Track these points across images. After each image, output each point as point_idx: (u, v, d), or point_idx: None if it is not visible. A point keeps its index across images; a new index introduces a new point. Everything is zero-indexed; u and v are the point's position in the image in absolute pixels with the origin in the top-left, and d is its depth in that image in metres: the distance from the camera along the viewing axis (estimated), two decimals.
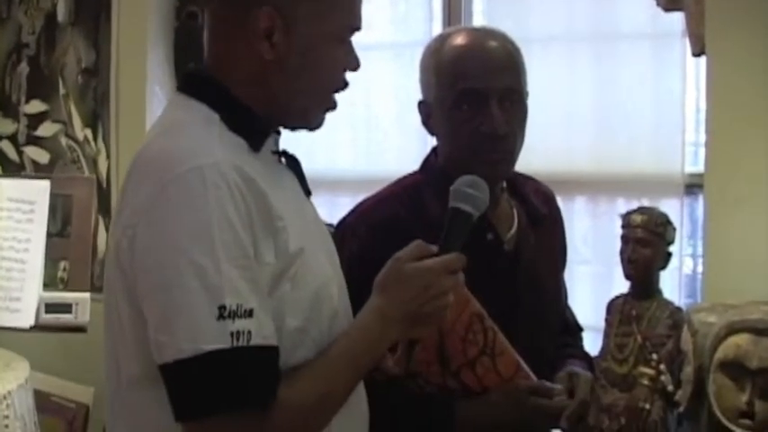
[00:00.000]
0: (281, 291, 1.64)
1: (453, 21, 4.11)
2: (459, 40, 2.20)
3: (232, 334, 1.53)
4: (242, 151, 1.68)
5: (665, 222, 3.32)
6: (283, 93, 1.72)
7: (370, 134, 4.35)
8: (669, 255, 3.35)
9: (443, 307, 1.76)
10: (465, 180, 1.85)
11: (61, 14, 4.48)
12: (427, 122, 2.23)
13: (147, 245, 1.57)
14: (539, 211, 2.29)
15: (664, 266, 3.36)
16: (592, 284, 3.90)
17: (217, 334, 1.52)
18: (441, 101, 2.16)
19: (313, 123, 1.81)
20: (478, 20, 4.12)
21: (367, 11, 4.04)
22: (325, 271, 1.76)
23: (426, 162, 2.28)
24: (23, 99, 4.57)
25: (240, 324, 1.53)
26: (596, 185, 3.86)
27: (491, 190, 2.14)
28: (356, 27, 1.78)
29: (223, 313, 1.53)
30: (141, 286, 1.58)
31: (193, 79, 1.78)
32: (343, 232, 2.23)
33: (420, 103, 2.23)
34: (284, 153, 1.81)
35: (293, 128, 1.82)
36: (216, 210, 1.55)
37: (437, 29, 4.18)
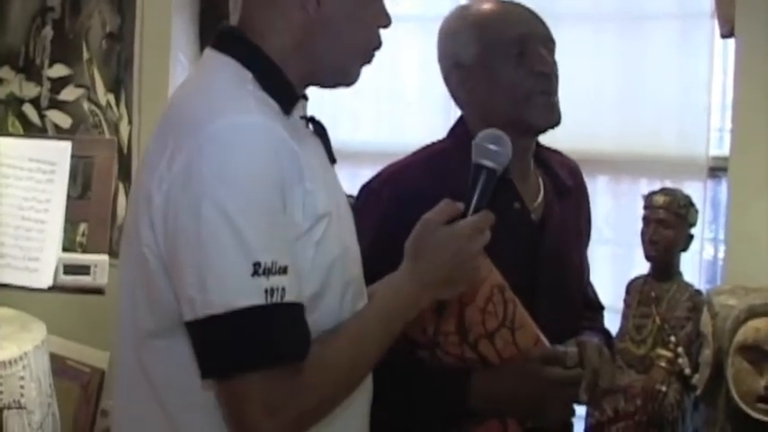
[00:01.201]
0: (304, 253, 1.63)
1: None
2: (486, 5, 2.20)
3: (266, 290, 1.52)
4: (274, 112, 1.67)
5: (687, 204, 3.32)
6: (326, 51, 1.72)
7: (393, 106, 4.33)
8: (691, 237, 3.35)
9: (474, 269, 1.76)
10: (487, 135, 1.83)
11: None
12: (461, 89, 2.20)
13: (182, 200, 1.55)
14: (565, 183, 2.28)
15: (685, 248, 3.36)
16: (612, 265, 3.89)
17: (251, 290, 1.51)
18: (485, 56, 2.14)
19: (352, 79, 1.81)
20: None
21: None
22: (345, 239, 1.75)
23: (454, 130, 2.26)
24: (47, 63, 4.55)
25: (275, 281, 1.52)
26: (620, 165, 3.85)
27: (523, 157, 2.14)
28: None
29: (258, 270, 1.51)
30: (173, 242, 1.57)
31: (228, 37, 1.77)
32: (366, 197, 2.21)
33: (450, 71, 2.20)
34: (312, 119, 1.80)
35: (331, 86, 1.82)
36: (252, 166, 1.54)
37: (464, 2, 4.14)
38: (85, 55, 4.47)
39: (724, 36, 3.40)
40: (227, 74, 1.69)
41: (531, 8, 2.21)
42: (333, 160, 1.82)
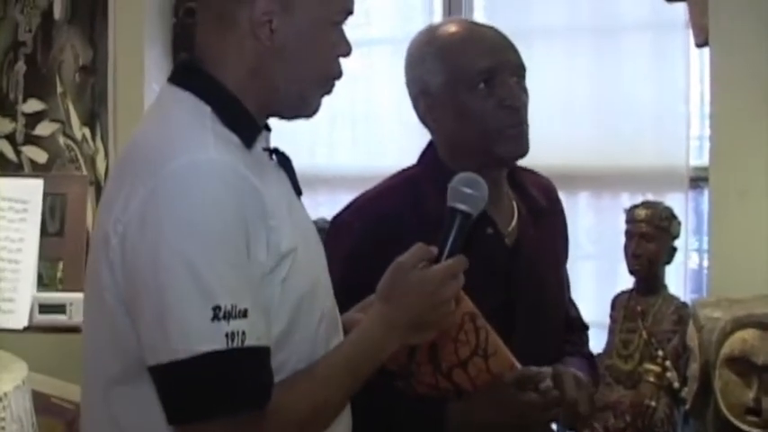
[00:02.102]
0: (269, 292, 1.60)
1: (454, 14, 4.04)
2: (454, 27, 2.17)
3: (227, 335, 1.49)
4: (235, 147, 1.64)
5: (669, 216, 3.29)
6: (282, 80, 1.68)
7: (370, 130, 4.31)
8: (674, 249, 3.32)
9: (447, 313, 1.75)
10: (463, 178, 1.80)
11: (58, 12, 4.43)
12: (429, 116, 2.17)
13: (139, 242, 1.52)
14: (539, 204, 2.24)
15: (669, 261, 3.33)
16: (596, 280, 3.85)
17: (212, 335, 1.48)
18: (451, 86, 2.10)
19: (311, 110, 1.77)
20: (479, 13, 4.07)
21: (367, 6, 4.03)
22: (314, 273, 1.72)
23: (424, 155, 2.23)
24: (21, 98, 4.50)
25: (235, 324, 1.50)
26: (599, 180, 3.82)
27: (496, 180, 2.11)
28: (350, 10, 1.76)
29: (218, 314, 1.49)
30: (132, 285, 1.54)
31: (185, 70, 1.74)
32: (338, 228, 2.18)
33: (417, 98, 2.17)
34: (275, 151, 1.77)
35: (290, 117, 1.79)
36: (211, 207, 1.51)
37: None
38: (59, 89, 4.43)
39: (699, 45, 3.38)
40: (185, 110, 1.66)
41: (500, 32, 2.17)
42: (298, 191, 1.79)
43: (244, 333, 1.50)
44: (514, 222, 2.18)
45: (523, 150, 2.12)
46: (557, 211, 2.33)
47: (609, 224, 3.75)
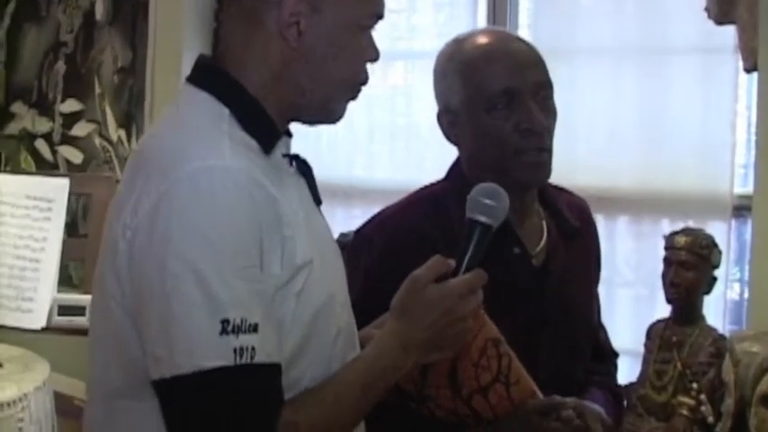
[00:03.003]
0: (284, 306, 1.54)
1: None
2: (479, 40, 2.09)
3: (235, 350, 1.43)
4: (252, 152, 1.58)
5: (710, 245, 3.18)
6: (308, 84, 1.63)
7: (409, 144, 4.23)
8: (714, 279, 3.21)
9: (465, 331, 1.68)
10: (482, 189, 1.73)
11: (99, 13, 4.41)
12: (451, 132, 2.10)
13: (147, 250, 1.47)
14: (571, 225, 2.16)
15: (708, 291, 3.22)
16: (633, 308, 3.77)
17: (219, 350, 1.43)
18: (470, 105, 2.04)
19: (336, 115, 1.72)
20: (524, 30, 4.00)
21: (410, 19, 3.97)
22: (331, 287, 1.65)
23: (451, 170, 2.16)
24: (59, 98, 4.50)
25: (244, 339, 1.44)
26: (640, 204, 3.73)
27: (523, 198, 2.04)
28: (380, 14, 1.70)
29: (226, 328, 1.43)
30: (138, 294, 1.49)
31: (204, 70, 1.68)
32: (360, 243, 2.12)
33: (441, 113, 2.10)
34: (296, 157, 1.71)
35: (313, 122, 1.73)
36: (223, 214, 1.46)
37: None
38: (97, 90, 4.42)
39: (748, 70, 3.28)
40: (202, 111, 1.60)
41: (528, 46, 2.09)
42: (318, 201, 1.72)
43: (253, 349, 1.44)
44: (543, 242, 2.10)
45: (542, 177, 2.04)
46: (590, 232, 2.25)
47: (648, 250, 3.67)
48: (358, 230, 2.14)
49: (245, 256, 1.47)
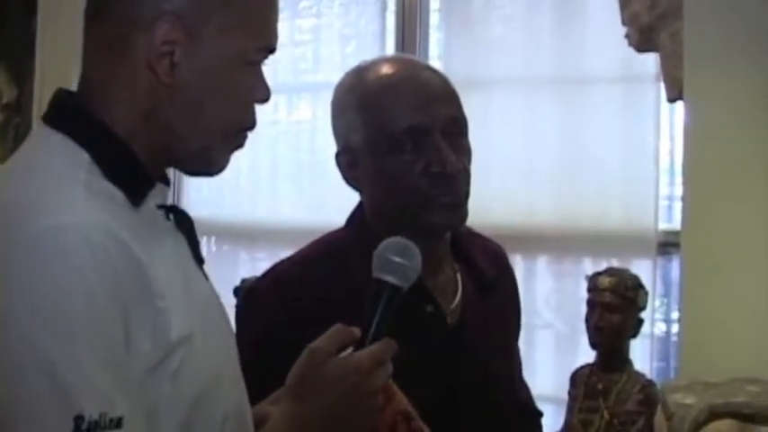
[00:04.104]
0: (156, 390, 1.29)
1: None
2: (383, 70, 1.86)
3: None
4: (116, 206, 1.33)
5: (636, 286, 3.06)
6: (182, 126, 1.39)
7: (316, 182, 4.04)
8: (640, 321, 3.09)
9: (373, 410, 1.46)
10: (391, 244, 1.51)
11: None
12: (350, 175, 1.86)
13: None
14: (487, 276, 1.94)
15: (635, 334, 3.10)
16: (555, 351, 3.65)
17: None
18: (372, 144, 1.80)
19: (216, 166, 1.46)
20: (435, 61, 3.86)
21: (316, 50, 3.75)
22: (216, 364, 1.41)
23: (352, 217, 1.93)
24: None
25: None
26: (561, 243, 3.60)
27: (434, 248, 1.83)
28: (270, 48, 1.45)
29: (80, 425, 1.18)
30: None
31: (62, 107, 1.42)
32: (251, 301, 1.89)
33: (339, 153, 1.87)
34: (173, 209, 1.46)
35: (193, 173, 1.49)
36: (76, 285, 1.21)
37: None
38: None
39: (671, 100, 3.16)
40: (55, 157, 1.35)
41: (438, 76, 1.86)
42: (200, 260, 1.48)
43: None
44: (458, 298, 1.88)
45: (457, 221, 1.83)
46: (507, 279, 2.05)
47: (570, 291, 3.56)
48: (250, 287, 1.90)
49: (104, 334, 1.23)
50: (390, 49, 3.95)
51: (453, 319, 1.87)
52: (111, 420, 1.20)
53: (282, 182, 4.02)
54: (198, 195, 4.43)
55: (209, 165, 1.45)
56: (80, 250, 1.22)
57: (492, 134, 3.61)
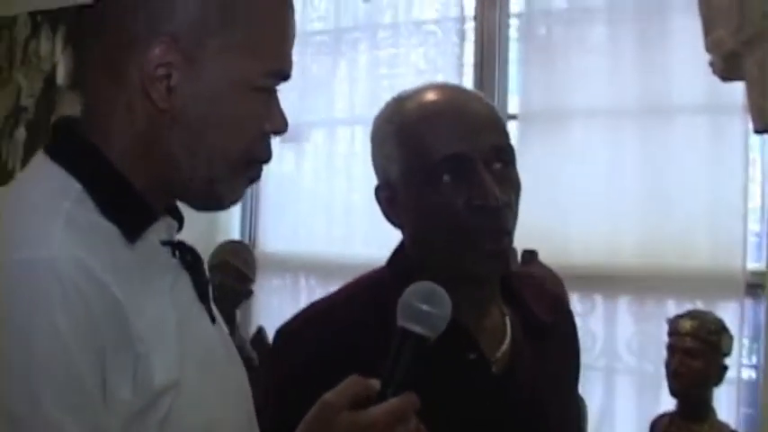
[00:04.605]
0: None
1: (486, 95, 3.68)
2: (423, 98, 1.72)
3: None
4: (103, 241, 1.22)
5: (719, 330, 2.88)
6: (183, 156, 1.28)
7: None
8: (725, 368, 2.89)
9: None
10: (417, 290, 1.37)
11: (61, 77, 4.15)
12: (391, 211, 1.73)
13: None
14: (540, 321, 1.79)
15: (718, 382, 2.90)
16: (637, 397, 3.46)
17: None
18: (411, 176, 1.67)
19: (224, 200, 1.34)
20: (514, 95, 3.78)
21: (392, 88, 3.67)
22: (213, 411, 1.30)
23: (395, 255, 1.79)
24: (19, 166, 4.20)
25: None
26: (643, 283, 3.43)
27: (480, 292, 1.68)
28: (283, 73, 1.33)
29: None
30: None
31: (60, 135, 1.32)
32: (284, 342, 1.75)
33: (378, 188, 1.74)
34: (180, 246, 1.34)
35: (198, 206, 1.37)
36: (40, 323, 1.12)
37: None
38: None
39: (758, 131, 2.95)
40: (41, 188, 1.25)
41: (482, 103, 1.72)
42: (206, 300, 1.36)
43: None
44: (506, 345, 1.73)
45: (500, 269, 1.67)
46: (565, 326, 1.87)
47: (652, 334, 3.36)
48: (282, 327, 1.77)
49: (73, 378, 1.13)
50: (469, 80, 3.84)
51: (500, 368, 1.72)
52: None
53: (357, 215, 3.93)
54: (275, 230, 4.39)
55: (215, 198, 1.33)
56: (50, 288, 1.12)
57: (572, 168, 3.50)
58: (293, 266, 4.21)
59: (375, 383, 1.32)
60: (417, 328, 1.35)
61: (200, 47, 1.25)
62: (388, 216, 1.74)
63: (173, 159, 1.27)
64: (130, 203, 1.27)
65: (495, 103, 3.58)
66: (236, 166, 1.31)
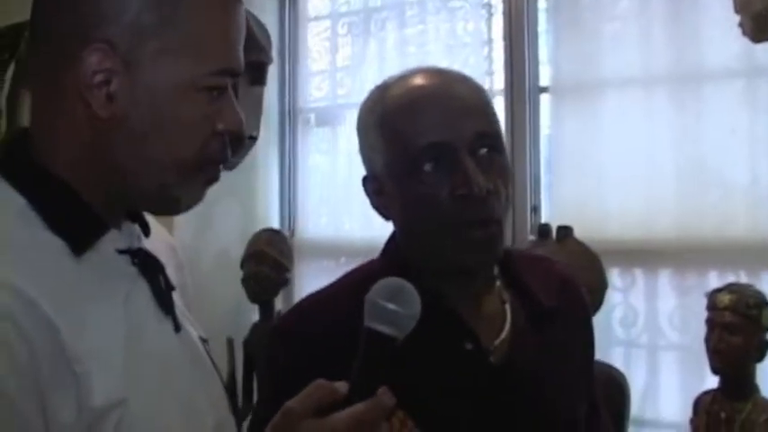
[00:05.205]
0: None
1: (516, 70, 3.69)
2: (405, 85, 1.65)
3: None
4: (46, 257, 1.20)
5: (759, 303, 2.79)
6: (128, 163, 1.24)
7: None
8: (766, 344, 2.75)
9: None
10: (383, 287, 1.31)
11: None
12: (378, 202, 1.67)
13: None
14: (544, 306, 1.70)
15: (760, 358, 2.79)
16: (680, 375, 3.36)
17: None
18: (393, 167, 1.61)
19: (180, 204, 1.31)
20: (544, 66, 3.68)
21: (425, 58, 3.61)
22: (169, 428, 1.25)
23: (387, 246, 1.72)
24: None
25: None
26: (683, 256, 3.32)
27: (474, 280, 1.61)
28: (231, 70, 1.28)
29: None
30: None
31: (8, 149, 1.30)
32: (273, 340, 1.71)
33: (365, 180, 1.67)
34: (137, 253, 1.30)
35: (155, 212, 1.36)
36: None
37: (498, 83, 3.74)
38: None
39: None
40: None
41: (464, 89, 1.64)
42: (166, 309, 1.31)
43: None
44: (505, 333, 1.65)
45: (489, 259, 1.60)
46: (577, 308, 1.79)
47: (694, 308, 3.19)
48: (275, 324, 1.72)
49: (13, 416, 1.10)
50: (498, 58, 3.76)
51: (498, 358, 1.65)
52: None
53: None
54: (313, 216, 4.34)
55: (171, 203, 1.30)
56: None
57: (606, 140, 3.41)
58: (333, 252, 4.18)
59: (341, 388, 1.25)
60: (384, 328, 1.28)
61: (138, 51, 1.22)
62: (377, 207, 1.67)
63: (120, 167, 1.24)
64: (76, 215, 1.23)
65: (526, 77, 3.57)
66: (189, 169, 1.26)
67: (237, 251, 4.05)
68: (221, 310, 4.03)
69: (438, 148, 1.56)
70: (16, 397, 1.09)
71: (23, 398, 1.10)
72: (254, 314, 4.00)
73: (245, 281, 3.94)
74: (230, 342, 3.86)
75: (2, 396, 1.08)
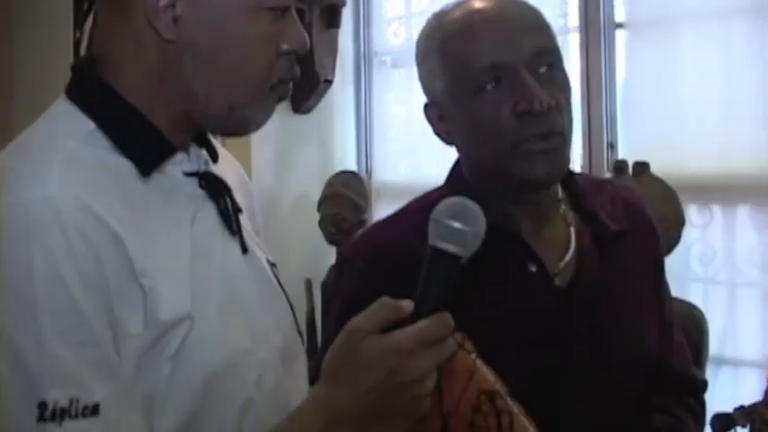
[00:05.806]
0: (153, 374, 1.19)
1: (591, 6, 3.62)
2: (462, 11, 1.68)
3: None
4: (114, 177, 1.23)
5: None
6: (198, 86, 1.27)
7: None
8: None
9: (419, 397, 1.24)
10: (448, 206, 1.32)
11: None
12: (441, 128, 1.68)
13: None
14: (610, 229, 1.69)
15: None
16: (761, 312, 3.29)
17: None
18: (455, 90, 1.62)
19: (250, 125, 1.34)
20: (619, 2, 3.60)
21: None
22: (234, 344, 1.28)
23: (451, 173, 1.74)
24: None
25: (73, 427, 1.10)
26: (762, 191, 3.25)
27: (538, 200, 1.66)
28: None
29: (44, 413, 1.10)
30: None
31: (77, 76, 1.33)
32: (340, 265, 1.73)
33: (427, 106, 1.68)
34: (206, 176, 1.33)
35: (224, 133, 1.37)
36: (39, 263, 1.13)
37: (573, 20, 3.69)
38: None
39: None
40: (52, 129, 1.28)
41: (519, 9, 1.65)
42: (233, 230, 1.33)
43: None
44: (570, 255, 1.65)
45: (555, 169, 1.61)
46: (642, 231, 1.78)
47: None
48: (344, 249, 1.74)
49: (74, 312, 1.13)
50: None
51: (563, 280, 1.65)
52: (86, 407, 1.12)
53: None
54: (390, 159, 4.35)
55: (242, 124, 1.34)
56: (48, 227, 1.14)
57: (683, 75, 3.35)
58: (409, 193, 4.13)
59: (407, 306, 1.26)
60: (449, 247, 1.28)
61: None
62: (439, 134, 1.68)
63: (188, 90, 1.28)
64: (146, 138, 1.27)
65: (601, 14, 3.51)
66: (257, 89, 1.30)
67: (316, 194, 4.07)
68: (300, 251, 4.07)
69: (498, 67, 1.57)
70: (81, 300, 1.13)
71: (88, 303, 1.14)
72: (332, 256, 4.02)
73: (321, 222, 3.96)
74: (309, 283, 3.89)
75: (69, 300, 1.12)
